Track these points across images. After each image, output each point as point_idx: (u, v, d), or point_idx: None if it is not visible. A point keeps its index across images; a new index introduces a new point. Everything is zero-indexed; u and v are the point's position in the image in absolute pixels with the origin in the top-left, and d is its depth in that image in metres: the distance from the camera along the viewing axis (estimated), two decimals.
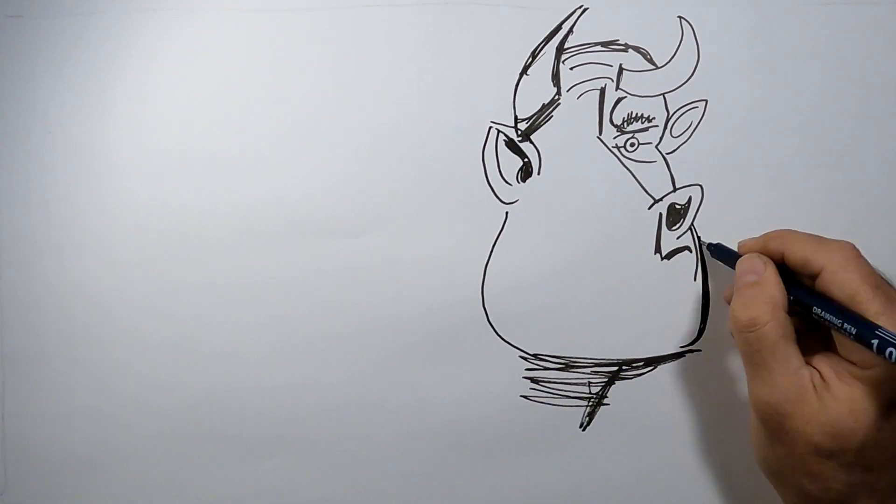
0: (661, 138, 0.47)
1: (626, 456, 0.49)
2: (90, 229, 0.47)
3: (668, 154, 0.47)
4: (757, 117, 0.47)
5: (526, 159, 0.47)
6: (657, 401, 0.49)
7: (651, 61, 0.46)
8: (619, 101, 0.47)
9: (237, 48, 0.47)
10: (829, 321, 0.37)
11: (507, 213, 0.47)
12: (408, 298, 0.48)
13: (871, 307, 0.36)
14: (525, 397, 0.49)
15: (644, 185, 0.47)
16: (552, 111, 0.47)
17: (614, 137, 0.47)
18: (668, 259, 0.48)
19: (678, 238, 0.47)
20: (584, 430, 0.49)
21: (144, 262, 0.48)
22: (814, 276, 0.39)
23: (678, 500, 0.49)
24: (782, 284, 0.40)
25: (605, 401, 0.49)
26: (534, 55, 0.46)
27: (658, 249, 0.47)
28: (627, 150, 0.47)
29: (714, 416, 0.48)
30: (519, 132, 0.47)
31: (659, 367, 0.49)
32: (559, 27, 0.46)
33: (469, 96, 0.47)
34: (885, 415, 0.36)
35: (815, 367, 0.38)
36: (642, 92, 0.47)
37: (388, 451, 0.49)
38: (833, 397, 0.36)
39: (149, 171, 0.47)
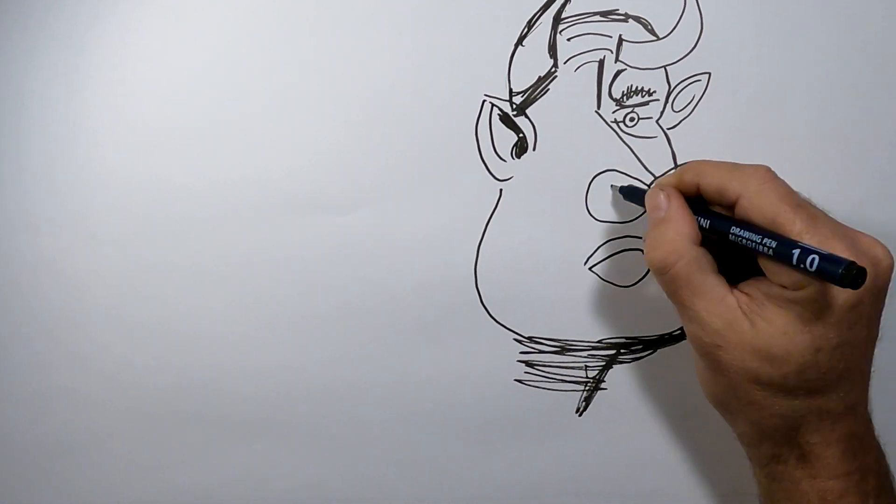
0: (661, 113, 0.45)
1: (624, 442, 0.48)
2: (67, 205, 0.46)
3: (669, 129, 0.46)
4: (762, 91, 0.45)
5: (521, 134, 0.46)
6: (657, 385, 0.48)
7: (652, 32, 0.45)
8: (618, 73, 0.45)
9: (220, 16, 0.45)
10: (746, 242, 0.35)
11: (501, 190, 0.46)
12: (398, 278, 0.46)
13: (794, 227, 0.34)
14: (519, 381, 0.47)
15: (644, 162, 0.46)
16: (548, 84, 0.45)
17: (613, 112, 0.45)
18: None
19: None
20: (580, 415, 0.48)
21: (124, 239, 0.46)
22: (732, 206, 0.37)
23: (676, 487, 0.48)
24: (690, 215, 0.38)
25: (603, 385, 0.48)
26: (529, 25, 0.45)
27: None
28: (627, 125, 0.45)
29: None
30: (514, 106, 0.45)
31: (658, 350, 0.47)
32: None
33: (462, 68, 0.45)
34: (823, 336, 0.34)
35: (744, 293, 0.36)
36: (643, 64, 0.45)
37: (377, 435, 0.48)
38: (765, 321, 0.35)
39: (128, 145, 0.46)
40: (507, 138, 0.46)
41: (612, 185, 0.45)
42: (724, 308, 0.35)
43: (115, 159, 0.46)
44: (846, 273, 0.30)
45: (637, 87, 0.45)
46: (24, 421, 0.47)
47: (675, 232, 0.37)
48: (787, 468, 0.37)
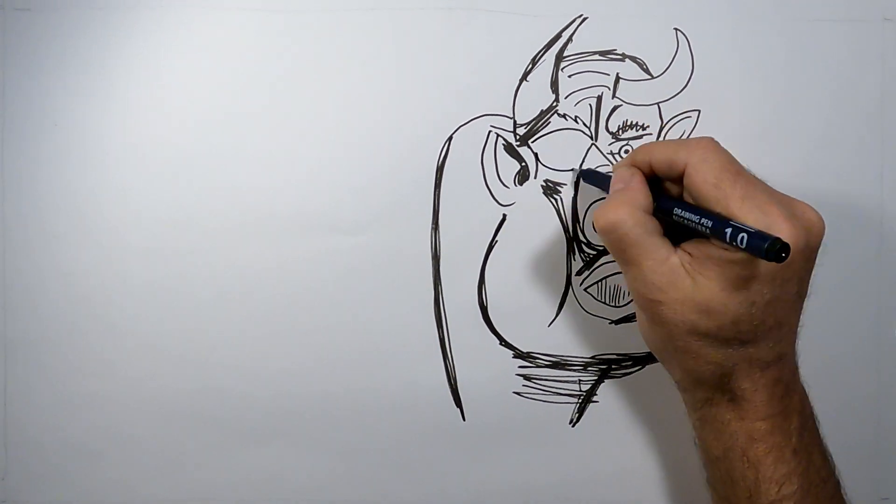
0: None
1: (614, 451, 0.51)
2: (94, 219, 0.48)
3: None
4: (748, 128, 0.48)
5: (524, 163, 0.49)
6: (645, 398, 0.50)
7: (647, 71, 0.48)
8: (615, 108, 0.48)
9: (242, 46, 0.48)
10: (687, 221, 0.38)
11: (504, 214, 0.49)
12: (405, 295, 0.49)
13: (735, 192, 0.36)
14: (518, 393, 0.50)
15: None
16: (550, 117, 0.48)
17: (609, 144, 0.48)
18: None
19: None
20: (573, 426, 0.51)
21: (146, 252, 0.48)
22: (680, 176, 0.39)
23: (664, 495, 0.51)
24: (646, 188, 0.40)
25: (595, 398, 0.50)
26: (534, 62, 0.48)
27: None
28: (622, 157, 0.48)
29: None
30: (517, 136, 0.48)
31: (647, 366, 0.50)
32: (559, 35, 0.48)
33: (470, 100, 0.48)
34: (758, 291, 0.37)
35: (686, 252, 0.38)
36: (638, 101, 0.48)
37: (382, 443, 0.50)
38: (705, 277, 0.37)
39: (151, 165, 0.48)
40: (510, 167, 0.49)
41: (572, 170, 0.48)
42: (667, 267, 0.38)
43: (139, 178, 0.48)
44: (770, 248, 0.33)
45: (632, 122, 0.48)
46: (49, 425, 0.50)
47: (628, 197, 0.39)
48: (719, 411, 0.40)
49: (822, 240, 0.38)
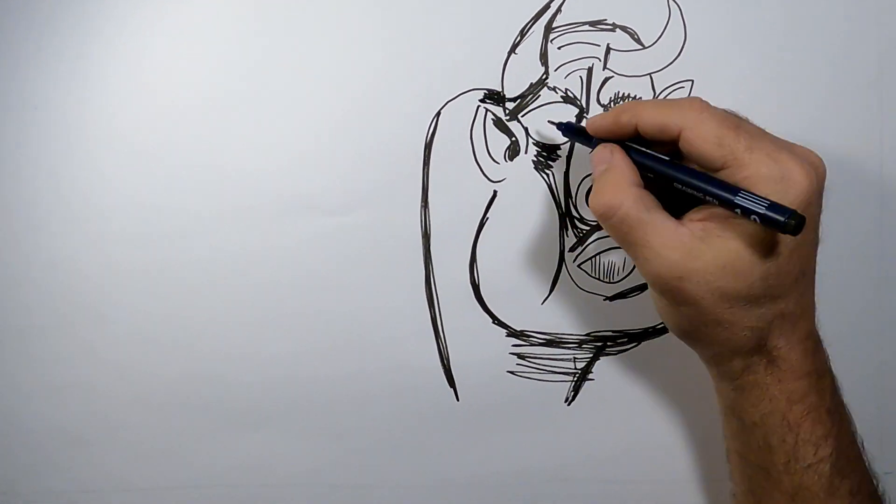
0: None
1: (610, 429, 0.50)
2: (76, 205, 0.48)
3: None
4: (742, 99, 0.47)
5: (514, 138, 0.48)
6: (640, 376, 0.50)
7: (638, 41, 0.47)
8: (606, 80, 0.47)
9: (224, 26, 0.47)
10: (692, 189, 0.36)
11: (495, 191, 0.48)
12: (395, 275, 0.48)
13: (740, 145, 0.35)
14: (511, 372, 0.50)
15: None
16: (540, 90, 0.47)
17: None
18: None
19: None
20: (569, 404, 0.50)
21: (131, 238, 0.48)
22: (674, 140, 0.37)
23: (660, 473, 0.51)
24: (631, 163, 0.38)
25: (590, 376, 0.50)
26: (522, 34, 0.47)
27: None
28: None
29: (696, 391, 0.49)
30: (507, 111, 0.47)
31: (643, 343, 0.50)
32: (547, 6, 0.46)
33: (457, 74, 0.47)
34: (780, 240, 0.36)
35: (693, 220, 0.37)
36: (629, 72, 0.47)
37: (375, 425, 0.50)
38: (723, 238, 0.36)
39: (133, 148, 0.47)
40: (500, 142, 0.48)
41: (548, 121, 0.47)
42: (678, 240, 0.36)
43: (122, 162, 0.47)
44: (789, 221, 0.32)
45: (624, 94, 0.47)
46: (39, 411, 0.49)
47: (618, 177, 0.37)
48: (758, 377, 0.39)
49: (825, 181, 0.37)
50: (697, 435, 0.50)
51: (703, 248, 0.36)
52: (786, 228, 0.32)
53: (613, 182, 0.38)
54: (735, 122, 0.37)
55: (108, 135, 0.47)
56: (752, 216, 0.33)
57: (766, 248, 0.36)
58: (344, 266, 0.48)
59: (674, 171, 0.38)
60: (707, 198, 0.36)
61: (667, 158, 0.39)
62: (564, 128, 0.45)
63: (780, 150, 0.36)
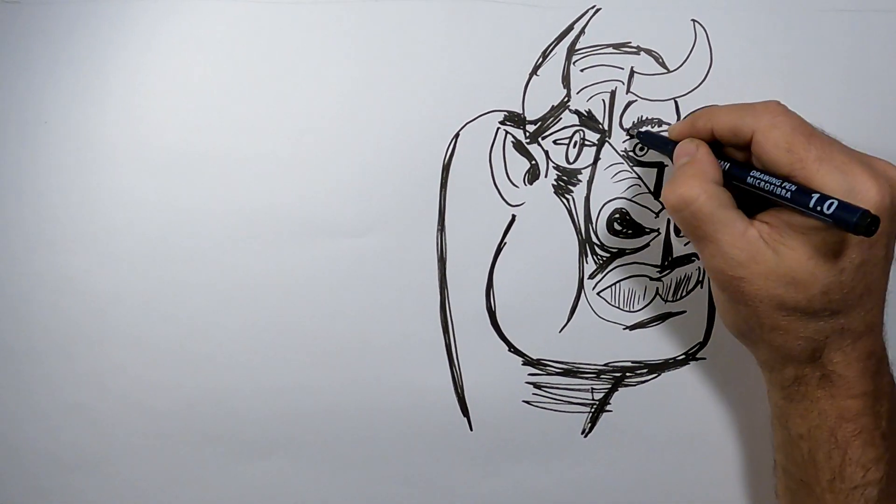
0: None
1: (628, 463, 0.49)
2: (85, 223, 0.46)
3: None
4: None
5: (533, 161, 0.47)
6: (660, 408, 0.48)
7: (663, 65, 0.46)
8: (629, 104, 0.46)
9: (241, 40, 0.46)
10: (764, 191, 0.36)
11: (513, 215, 0.47)
12: (409, 300, 0.47)
13: (809, 154, 0.34)
14: (527, 402, 0.48)
15: (653, 191, 0.47)
16: (561, 113, 0.46)
17: (624, 141, 0.46)
18: (675, 267, 0.47)
19: (686, 244, 0.47)
20: (585, 436, 0.49)
21: (140, 258, 0.46)
22: (747, 144, 0.37)
23: None
24: (714, 159, 0.38)
25: (608, 407, 0.48)
26: (544, 55, 0.46)
27: (666, 257, 0.47)
28: (637, 155, 0.46)
29: (717, 425, 0.48)
30: (527, 134, 0.46)
31: (663, 374, 0.48)
32: (571, 27, 0.45)
33: (477, 96, 0.46)
34: (846, 256, 0.35)
35: (764, 223, 0.37)
36: (653, 96, 0.46)
37: (387, 455, 0.49)
38: (789, 247, 0.35)
39: (146, 166, 0.46)
40: (519, 165, 0.47)
41: (626, 130, 0.46)
42: (746, 241, 0.36)
43: (134, 180, 0.46)
44: (861, 221, 0.31)
45: (647, 118, 0.46)
46: (36, 437, 0.48)
47: (697, 170, 0.38)
48: (809, 389, 0.38)
49: None
50: (717, 470, 0.49)
51: (768, 254, 0.35)
52: (857, 229, 0.31)
53: (692, 175, 0.37)
54: (808, 129, 0.36)
55: (118, 149, 0.46)
56: (823, 214, 0.32)
57: (831, 262, 0.35)
58: (357, 290, 0.47)
59: (746, 170, 0.37)
60: (779, 193, 0.35)
61: (740, 160, 0.38)
62: (643, 136, 0.45)
63: (853, 162, 0.35)
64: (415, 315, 0.47)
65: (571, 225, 0.47)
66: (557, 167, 0.46)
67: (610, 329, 0.48)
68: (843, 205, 0.32)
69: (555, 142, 0.46)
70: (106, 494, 0.48)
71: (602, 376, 0.48)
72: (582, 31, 0.46)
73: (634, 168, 0.46)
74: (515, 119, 0.46)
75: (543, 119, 0.46)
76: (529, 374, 0.48)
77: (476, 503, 0.49)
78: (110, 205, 0.46)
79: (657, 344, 0.48)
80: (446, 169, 0.46)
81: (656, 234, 0.47)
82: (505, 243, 0.47)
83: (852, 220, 0.31)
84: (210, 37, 0.46)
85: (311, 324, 0.47)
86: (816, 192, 0.33)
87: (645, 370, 0.48)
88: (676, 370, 0.48)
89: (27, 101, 0.46)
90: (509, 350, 0.48)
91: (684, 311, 0.48)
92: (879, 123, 0.47)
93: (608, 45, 0.46)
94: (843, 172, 0.34)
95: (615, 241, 0.47)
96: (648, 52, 0.46)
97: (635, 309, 0.48)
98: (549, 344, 0.48)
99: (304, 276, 0.47)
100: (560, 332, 0.48)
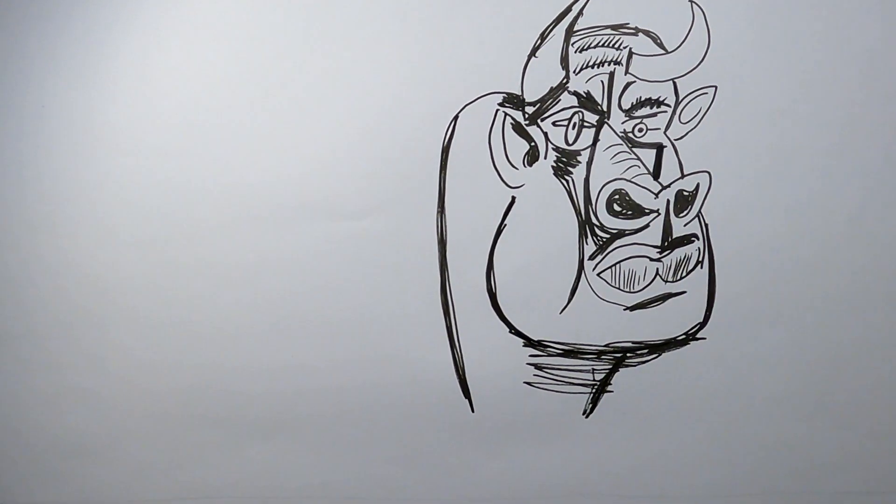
0: (669, 124, 0.47)
1: (629, 443, 0.49)
2: (86, 207, 0.46)
3: (676, 140, 0.47)
4: (766, 104, 0.46)
5: (533, 143, 0.47)
6: (661, 387, 0.48)
7: (661, 46, 0.46)
8: (627, 85, 0.46)
9: (240, 24, 0.46)
10: None
11: (513, 197, 0.47)
12: (410, 282, 0.47)
13: None
14: (528, 384, 0.48)
15: (652, 172, 0.47)
16: (560, 94, 0.46)
17: (622, 122, 0.46)
18: (676, 247, 0.47)
19: (686, 225, 0.47)
20: (587, 416, 0.49)
21: (142, 241, 0.47)
22: None
23: (679, 488, 0.49)
24: None
25: (609, 388, 0.49)
26: (543, 37, 0.46)
27: (666, 237, 0.47)
28: (636, 136, 0.47)
29: (717, 404, 0.48)
30: (526, 115, 0.46)
31: (663, 354, 0.48)
32: (569, 9, 0.46)
33: (476, 78, 0.46)
34: None
35: None
36: (651, 77, 0.46)
37: (388, 436, 0.49)
38: None
39: (147, 149, 0.46)
40: (519, 147, 0.47)
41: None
42: None
43: (134, 163, 0.46)
44: None
45: (646, 99, 0.46)
46: (40, 420, 0.48)
47: None
48: None
49: None
50: (719, 449, 0.49)
51: None
52: None
53: None
54: None
55: (118, 137, 0.46)
56: None
57: None
58: (357, 272, 0.47)
59: None
60: None
61: None
62: None
63: None
64: (415, 297, 0.47)
65: (571, 206, 0.47)
66: (557, 148, 0.46)
67: (611, 310, 0.48)
68: None
69: (554, 123, 0.46)
70: (108, 475, 0.48)
71: (603, 357, 0.48)
72: (580, 13, 0.46)
73: (633, 149, 0.46)
74: (514, 101, 0.46)
75: (542, 100, 0.46)
76: (530, 356, 0.48)
77: (478, 483, 0.49)
78: (111, 187, 0.46)
79: (658, 324, 0.48)
80: (446, 151, 0.46)
81: (656, 214, 0.47)
82: (505, 225, 0.47)
83: None
84: (209, 24, 0.46)
85: (312, 306, 0.47)
86: None
87: (646, 350, 0.48)
88: (677, 350, 0.48)
89: (25, 84, 0.46)
90: (510, 331, 0.48)
91: (684, 292, 0.48)
92: (875, 105, 0.46)
93: (606, 27, 0.46)
94: None
95: (615, 222, 0.47)
96: (646, 33, 0.46)
97: (636, 290, 0.48)
98: (549, 325, 0.48)
99: (306, 258, 0.47)
100: (561, 313, 0.48)
